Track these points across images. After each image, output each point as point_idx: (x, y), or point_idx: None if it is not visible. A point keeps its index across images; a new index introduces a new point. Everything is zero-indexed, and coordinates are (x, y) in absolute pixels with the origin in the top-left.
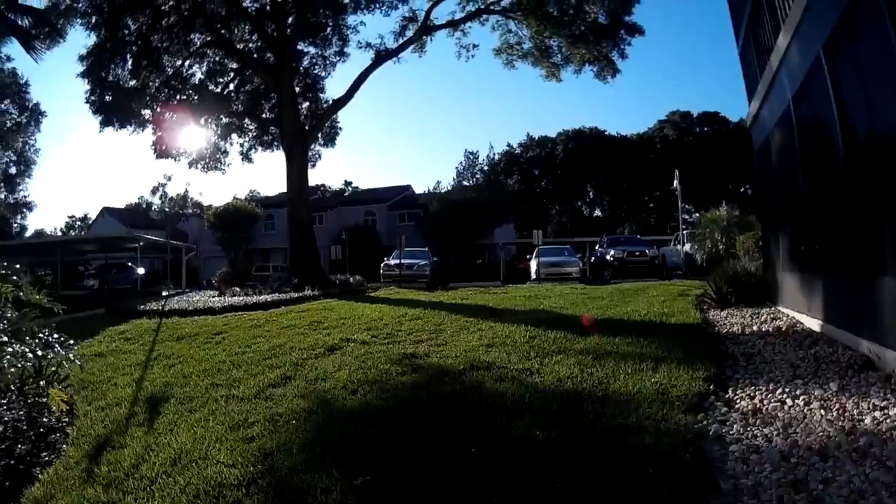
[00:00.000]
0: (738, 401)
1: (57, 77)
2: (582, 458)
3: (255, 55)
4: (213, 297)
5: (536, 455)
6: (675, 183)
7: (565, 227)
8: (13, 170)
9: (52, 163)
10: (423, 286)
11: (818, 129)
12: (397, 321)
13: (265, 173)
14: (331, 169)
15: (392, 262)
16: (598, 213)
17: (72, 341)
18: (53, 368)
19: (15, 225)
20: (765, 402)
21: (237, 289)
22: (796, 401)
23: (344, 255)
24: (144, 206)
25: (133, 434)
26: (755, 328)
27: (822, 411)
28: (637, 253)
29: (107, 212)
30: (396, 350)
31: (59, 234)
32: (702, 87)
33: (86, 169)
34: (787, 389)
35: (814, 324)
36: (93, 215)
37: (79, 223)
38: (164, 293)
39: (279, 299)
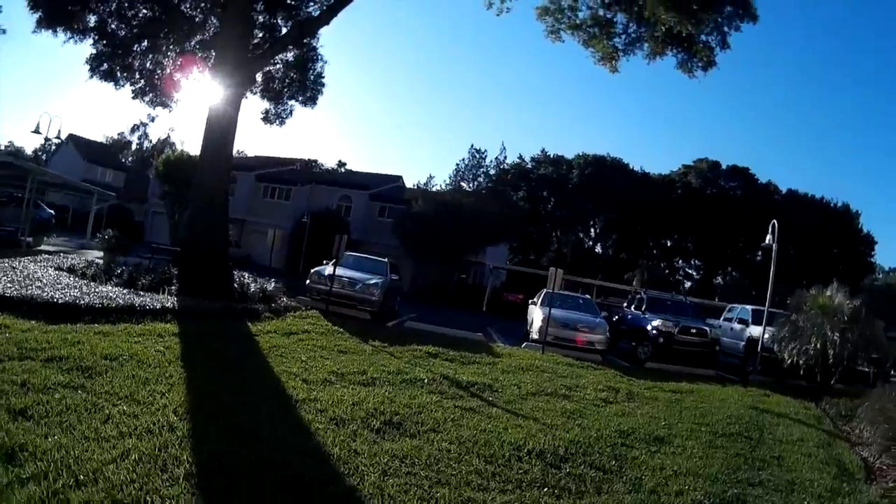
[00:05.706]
0: None
1: None
2: None
3: None
4: (77, 263)
5: None
6: (769, 238)
7: (565, 259)
8: None
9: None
10: (365, 315)
11: None
12: None
13: (286, 132)
14: (328, 146)
15: (325, 270)
16: (598, 249)
17: None
18: None
19: None
20: None
21: (104, 262)
22: None
23: (299, 243)
24: (122, 142)
25: None
26: None
27: None
28: (693, 330)
29: (71, 140)
30: None
31: (31, 154)
32: (732, 137)
33: (77, 88)
34: None
35: None
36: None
37: (53, 146)
38: (39, 247)
39: (108, 304)
